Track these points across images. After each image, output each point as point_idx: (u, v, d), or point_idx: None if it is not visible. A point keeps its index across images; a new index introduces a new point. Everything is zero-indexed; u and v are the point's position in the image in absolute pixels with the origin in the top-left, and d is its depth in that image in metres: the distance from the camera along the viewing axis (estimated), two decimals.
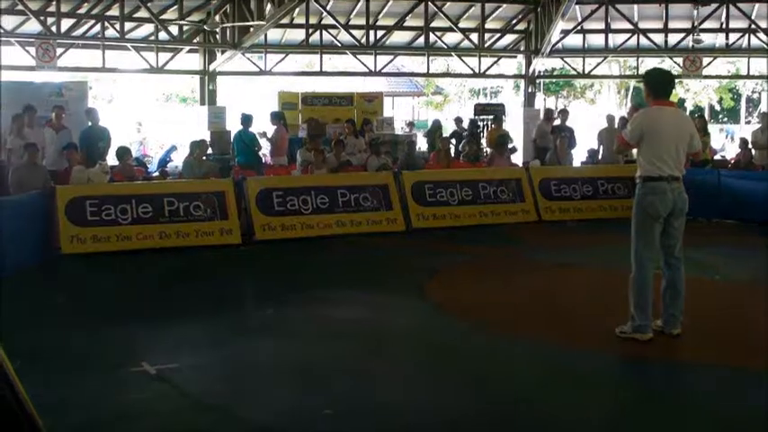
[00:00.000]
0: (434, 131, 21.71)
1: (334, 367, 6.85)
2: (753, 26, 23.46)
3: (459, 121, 22.91)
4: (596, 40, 24.96)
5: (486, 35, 24.09)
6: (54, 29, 19.79)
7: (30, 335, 7.37)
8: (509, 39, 25.22)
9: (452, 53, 25.16)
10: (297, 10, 21.69)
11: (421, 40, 24.22)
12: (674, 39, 24.13)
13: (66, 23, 20.06)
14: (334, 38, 23.31)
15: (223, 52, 22.18)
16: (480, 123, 23.07)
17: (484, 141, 21.47)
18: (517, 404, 6.02)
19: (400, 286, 9.92)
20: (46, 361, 6.70)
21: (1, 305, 7.92)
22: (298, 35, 23.32)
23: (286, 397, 6.19)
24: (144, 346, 7.45)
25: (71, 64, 21.00)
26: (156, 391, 6.31)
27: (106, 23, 20.57)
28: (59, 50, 19.82)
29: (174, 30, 21.29)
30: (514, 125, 23.39)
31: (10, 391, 3.78)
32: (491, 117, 22.80)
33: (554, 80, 40.80)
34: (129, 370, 6.71)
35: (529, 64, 25.24)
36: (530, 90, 25.65)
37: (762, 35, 23.56)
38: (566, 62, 27.12)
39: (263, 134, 16.98)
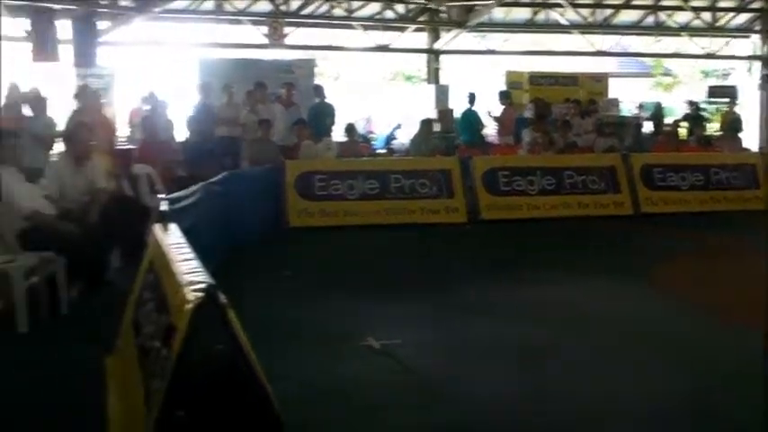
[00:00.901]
0: (658, 114, 20.83)
1: (551, 351, 6.58)
2: None
3: (691, 104, 21.88)
4: None
5: (719, 14, 22.87)
6: (284, 8, 20.27)
7: (259, 305, 7.46)
8: (743, 18, 23.84)
9: (682, 33, 24.04)
10: None
11: (649, 19, 23.29)
12: None
13: (295, 3, 20.51)
14: (561, 16, 22.75)
15: (448, 31, 22.09)
16: (705, 106, 21.91)
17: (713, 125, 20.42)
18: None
19: (626, 271, 9.46)
20: (273, 331, 6.75)
21: (236, 275, 8.07)
22: (523, 14, 22.92)
23: (504, 378, 5.99)
24: (369, 321, 7.40)
25: (299, 42, 21.44)
26: (379, 366, 6.28)
27: (334, 3, 20.89)
28: (288, 29, 20.29)
29: (400, 9, 21.37)
30: (748, 108, 22.10)
31: (243, 359, 3.79)
32: (726, 100, 21.67)
33: None
34: (354, 344, 6.71)
35: (765, 44, 23.80)
36: (765, 72, 24.17)
37: None
38: None
39: (490, 114, 16.78)
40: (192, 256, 4.60)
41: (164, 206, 6.85)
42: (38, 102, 10.67)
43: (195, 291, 3.67)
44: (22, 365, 6.08)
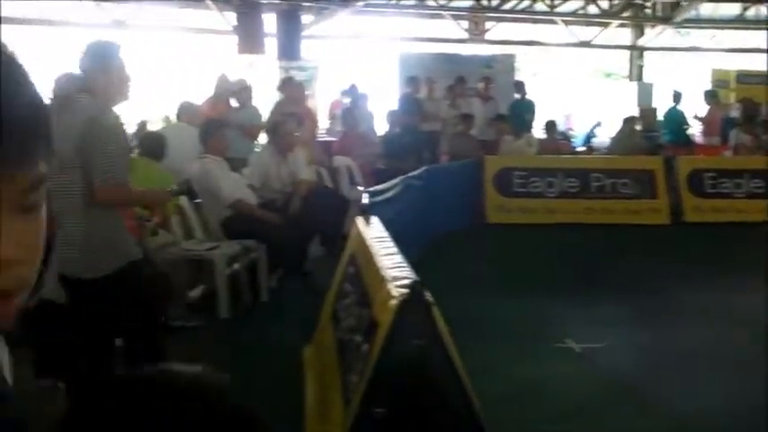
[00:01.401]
0: None
1: (756, 360, 6.13)
2: None
3: None
4: None
5: None
6: (485, 2, 20.12)
7: (455, 300, 7.31)
8: None
9: None
10: None
11: None
12: None
13: None
14: None
15: (653, 27, 21.35)
16: None
17: None
18: None
19: None
20: (468, 327, 6.61)
21: (432, 269, 8.00)
22: (732, 9, 21.86)
23: (707, 388, 5.66)
24: (566, 322, 7.19)
25: (499, 37, 21.22)
26: (576, 369, 6.12)
27: None
28: (489, 24, 20.13)
29: (604, 4, 20.83)
30: None
31: (446, 358, 3.68)
32: None
33: None
34: (551, 344, 6.56)
35: None
36: None
37: None
38: None
39: (696, 116, 16.11)
40: (395, 250, 4.53)
41: (365, 199, 6.84)
42: (244, 93, 10.92)
43: (400, 286, 3.59)
44: (222, 350, 6.21)
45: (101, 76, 4.35)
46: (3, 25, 16.69)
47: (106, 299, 4.33)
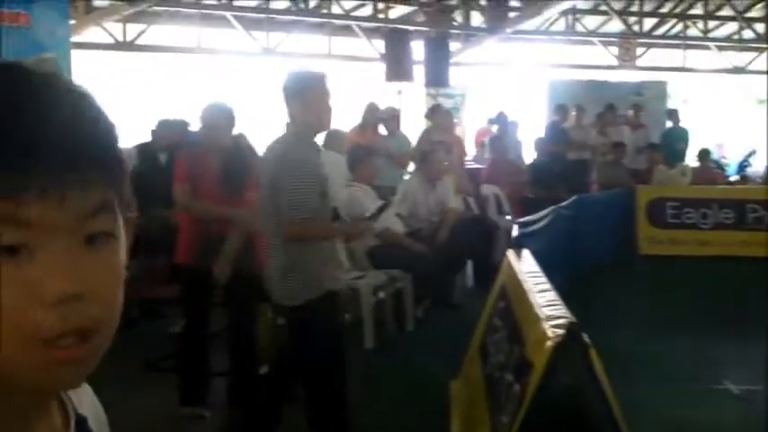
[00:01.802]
0: None
1: None
2: None
3: None
4: None
5: None
6: (636, 28, 19.75)
7: (603, 335, 7.09)
8: None
9: None
10: None
11: None
12: None
13: (648, 23, 19.92)
14: None
15: None
16: None
17: None
18: None
19: None
20: (617, 365, 6.38)
21: (581, 303, 7.81)
22: None
23: None
24: (723, 361, 6.87)
25: (650, 63, 20.77)
26: (735, 412, 5.83)
27: (688, 22, 20.07)
28: (640, 50, 19.74)
29: (759, 28, 20.12)
30: None
31: (602, 403, 3.55)
32: None
33: None
34: (706, 385, 6.26)
35: None
36: None
37: None
38: None
39: None
40: (548, 286, 4.41)
41: (515, 231, 6.75)
42: (392, 121, 10.98)
43: (555, 327, 3.48)
44: (367, 380, 6.18)
45: (299, 105, 4.41)
46: (154, 53, 17.41)
47: (299, 327, 4.51)
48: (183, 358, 5.70)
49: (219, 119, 5.51)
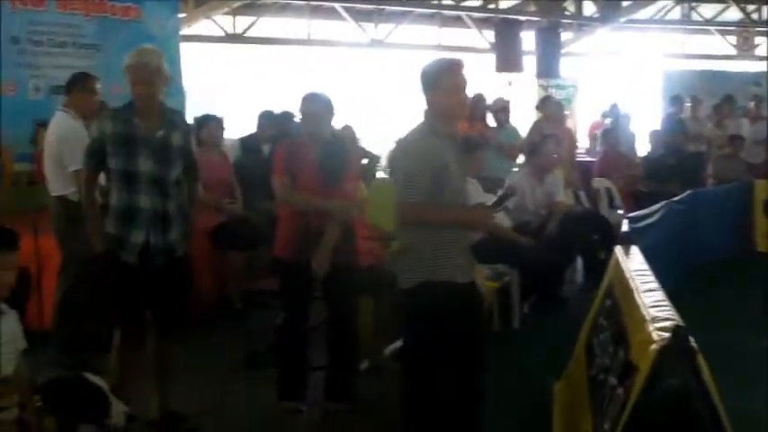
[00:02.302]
0: None
1: None
2: None
3: None
4: None
5: None
6: (755, 16, 19.11)
7: (715, 334, 6.79)
8: None
9: None
10: None
11: None
12: None
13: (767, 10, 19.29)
14: None
15: None
16: None
17: None
18: None
19: None
20: (726, 367, 6.07)
21: (692, 301, 7.54)
22: None
23: None
24: None
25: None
26: None
27: None
28: (759, 39, 19.10)
29: None
30: None
31: (709, 410, 3.39)
32: None
33: None
34: None
35: None
36: None
37: None
38: None
39: None
40: (656, 285, 4.25)
41: (624, 226, 6.55)
42: (502, 112, 10.82)
43: (661, 329, 3.33)
44: None
45: (430, 95, 4.42)
46: (264, 45, 17.62)
47: (407, 311, 4.52)
48: (282, 352, 5.70)
49: (319, 109, 5.49)
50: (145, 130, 4.92)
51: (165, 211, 4.99)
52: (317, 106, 5.50)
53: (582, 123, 17.42)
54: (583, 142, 15.58)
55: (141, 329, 5.14)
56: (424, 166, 4.34)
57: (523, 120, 12.54)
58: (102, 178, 5.18)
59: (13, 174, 8.49)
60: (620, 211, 10.27)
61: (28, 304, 6.19)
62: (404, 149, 4.53)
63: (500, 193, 6.23)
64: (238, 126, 10.87)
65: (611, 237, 7.87)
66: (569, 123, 14.60)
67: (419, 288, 4.40)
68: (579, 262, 9.21)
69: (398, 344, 6.76)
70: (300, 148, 5.54)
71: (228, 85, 17.26)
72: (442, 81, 4.40)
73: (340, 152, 5.56)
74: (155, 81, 4.93)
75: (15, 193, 8.32)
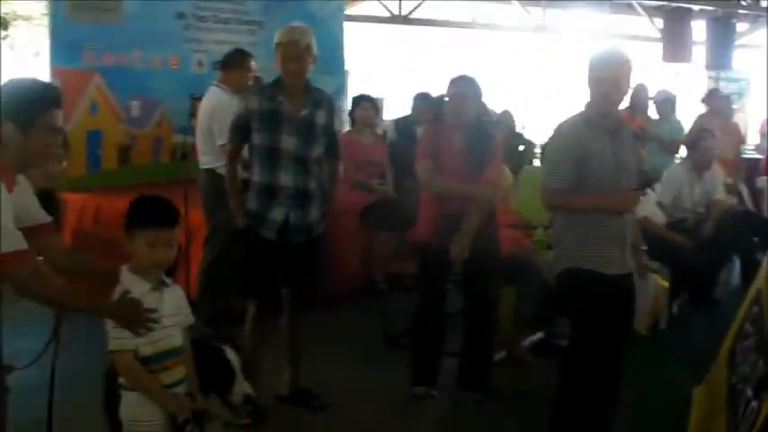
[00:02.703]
0: None
1: None
2: None
3: None
4: None
5: None
6: None
7: None
8: None
9: None
10: None
11: None
12: None
13: None
14: None
15: None
16: None
17: None
18: None
19: None
20: None
21: None
22: None
23: None
24: None
25: None
26: None
27: None
28: None
29: None
30: None
31: None
32: None
33: None
34: None
35: None
36: None
37: None
38: None
39: None
40: None
41: None
42: (666, 104, 10.44)
43: None
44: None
45: (589, 85, 4.44)
46: (428, 27, 17.57)
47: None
48: (418, 337, 5.68)
49: (464, 91, 5.43)
50: (290, 107, 4.98)
51: (305, 190, 5.04)
52: (462, 88, 5.44)
53: (754, 119, 16.68)
54: (753, 139, 14.93)
55: (276, 305, 5.22)
56: (569, 153, 4.37)
57: (689, 113, 12.08)
58: (245, 153, 5.28)
59: (173, 146, 8.79)
60: None
61: (176, 276, 6.38)
62: (554, 137, 4.58)
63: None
64: (397, 108, 10.89)
65: None
66: (740, 118, 14.01)
67: (562, 275, 4.50)
68: (737, 264, 8.85)
69: (537, 336, 6.72)
70: (445, 131, 5.50)
71: (390, 66, 17.35)
72: (595, 71, 4.39)
73: (485, 137, 5.49)
74: (304, 59, 4.97)
75: (171, 165, 8.61)
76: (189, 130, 7.61)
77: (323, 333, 5.88)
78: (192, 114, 7.81)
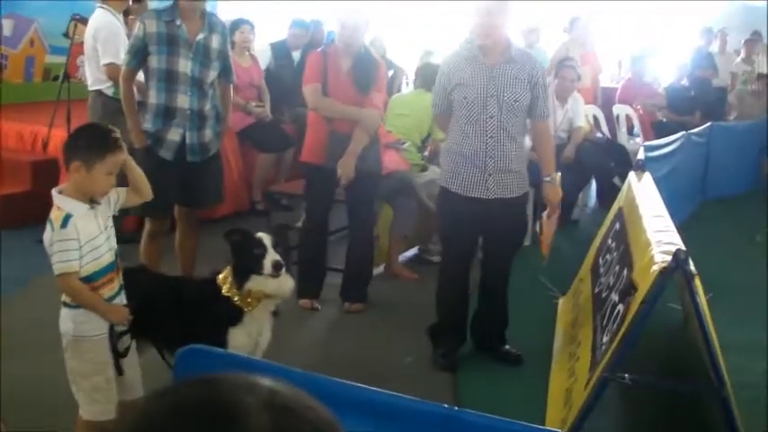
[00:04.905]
0: None
1: None
2: None
3: None
4: None
5: None
6: None
7: (717, 269, 6.57)
8: None
9: None
10: None
11: None
12: None
13: None
14: None
15: None
16: None
17: None
18: None
19: None
20: (726, 299, 5.93)
21: (702, 231, 7.65)
22: None
23: None
24: None
25: None
26: None
27: None
28: None
29: None
30: None
31: (700, 330, 3.56)
32: None
33: None
34: None
35: None
36: None
37: None
38: None
39: None
40: (664, 212, 4.42)
41: (641, 154, 6.67)
42: (531, 34, 10.78)
43: (663, 252, 3.51)
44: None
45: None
46: None
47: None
48: (303, 252, 5.91)
49: (358, 21, 5.61)
50: (187, 32, 5.09)
51: (201, 111, 5.19)
52: (356, 18, 5.62)
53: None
54: (612, 68, 15.43)
55: (170, 222, 5.43)
56: (440, 82, 4.85)
57: (553, 43, 12.46)
58: (139, 75, 5.36)
59: (46, 66, 8.64)
60: (639, 139, 10.35)
61: None
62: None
63: None
64: (269, 33, 10.87)
65: (627, 164, 7.99)
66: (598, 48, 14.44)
67: (438, 195, 5.11)
68: (593, 186, 9.36)
69: (412, 252, 7.06)
70: (333, 56, 5.67)
71: None
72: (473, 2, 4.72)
73: (371, 63, 5.69)
74: None
75: (45, 86, 8.46)
76: (63, 51, 7.50)
77: (207, 249, 6.02)
78: (66, 34, 7.71)
